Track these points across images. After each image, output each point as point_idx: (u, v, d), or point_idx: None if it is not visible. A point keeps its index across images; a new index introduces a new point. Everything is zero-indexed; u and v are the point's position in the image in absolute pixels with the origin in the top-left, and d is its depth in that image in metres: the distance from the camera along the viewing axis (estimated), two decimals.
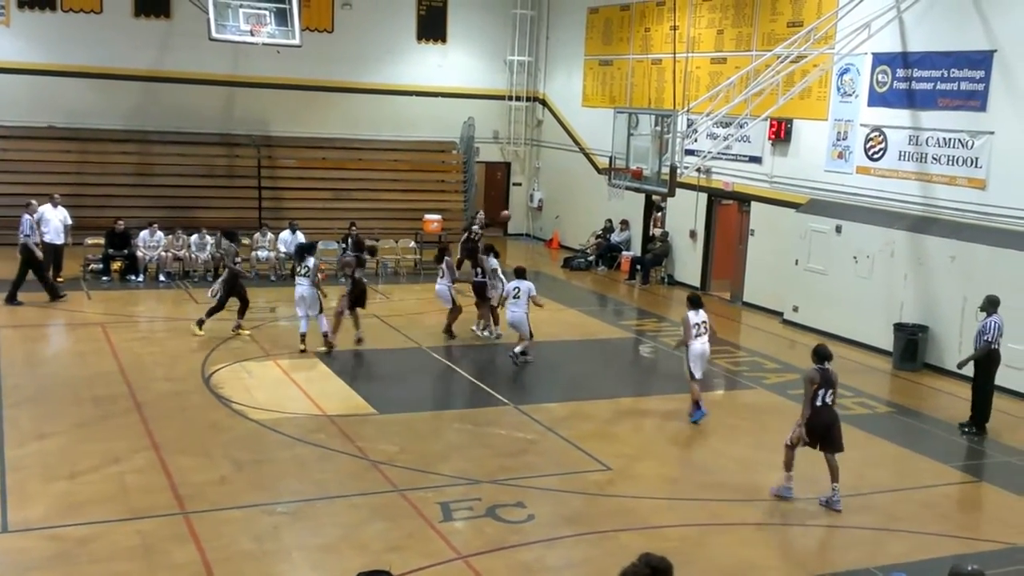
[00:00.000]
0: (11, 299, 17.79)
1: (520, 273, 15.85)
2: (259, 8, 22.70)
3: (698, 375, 13.16)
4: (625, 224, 24.98)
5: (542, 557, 9.31)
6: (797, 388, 14.91)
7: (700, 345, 13.12)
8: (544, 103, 29.00)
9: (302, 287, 15.54)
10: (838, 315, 18.05)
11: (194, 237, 21.13)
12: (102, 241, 20.76)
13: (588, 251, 25.37)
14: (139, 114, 25.08)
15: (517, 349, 15.30)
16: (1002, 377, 13.91)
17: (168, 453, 11.18)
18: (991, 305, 13.19)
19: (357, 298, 16.26)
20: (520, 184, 29.82)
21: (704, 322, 13.20)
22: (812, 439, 10.60)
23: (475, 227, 20.26)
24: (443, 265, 16.80)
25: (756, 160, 20.47)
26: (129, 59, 24.74)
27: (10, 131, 23.89)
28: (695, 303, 13.32)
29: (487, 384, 14.60)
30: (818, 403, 10.56)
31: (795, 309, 19.08)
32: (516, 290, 15.41)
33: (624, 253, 24.58)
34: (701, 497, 10.77)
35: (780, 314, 19.48)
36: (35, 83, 24.13)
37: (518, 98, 28.92)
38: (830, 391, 10.58)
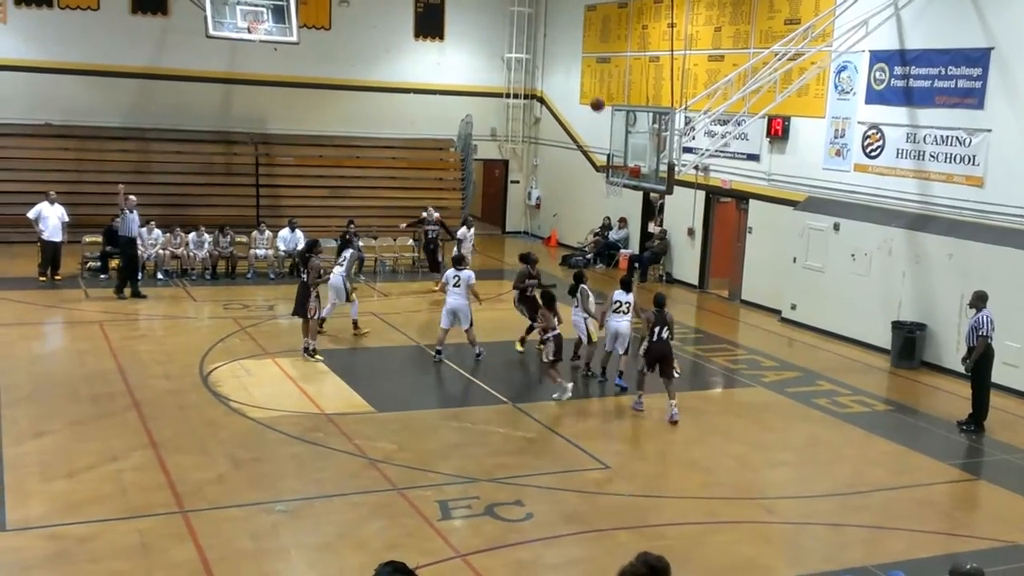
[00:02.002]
0: None
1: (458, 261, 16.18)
2: (256, 5, 22.66)
3: (607, 348, 14.53)
4: (623, 222, 24.98)
5: (541, 556, 9.32)
6: (795, 386, 15.01)
7: (615, 323, 14.33)
8: (542, 100, 28.98)
9: (337, 276, 16.43)
10: (836, 313, 18.06)
11: (192, 235, 21.11)
12: (100, 239, 20.73)
13: (586, 249, 25.37)
14: (136, 111, 25.05)
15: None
16: (1000, 375, 13.94)
17: (166, 451, 11.18)
18: (980, 300, 13.21)
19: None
20: (518, 182, 29.81)
21: (628, 303, 14.34)
22: (650, 366, 13.18)
23: (431, 225, 20.52)
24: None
25: (754, 158, 20.48)
26: (126, 56, 24.69)
27: (7, 129, 23.84)
28: (626, 285, 14.60)
29: (485, 382, 14.60)
30: (654, 339, 13.15)
31: (793, 307, 19.09)
32: (456, 279, 15.52)
33: (622, 251, 24.58)
34: (699, 495, 10.79)
35: (778, 312, 19.49)
36: (32, 80, 24.09)
37: (516, 95, 28.90)
38: (665, 328, 13.16)
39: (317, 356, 15.09)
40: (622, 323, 14.33)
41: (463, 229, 20.93)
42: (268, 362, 15.02)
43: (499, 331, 16.84)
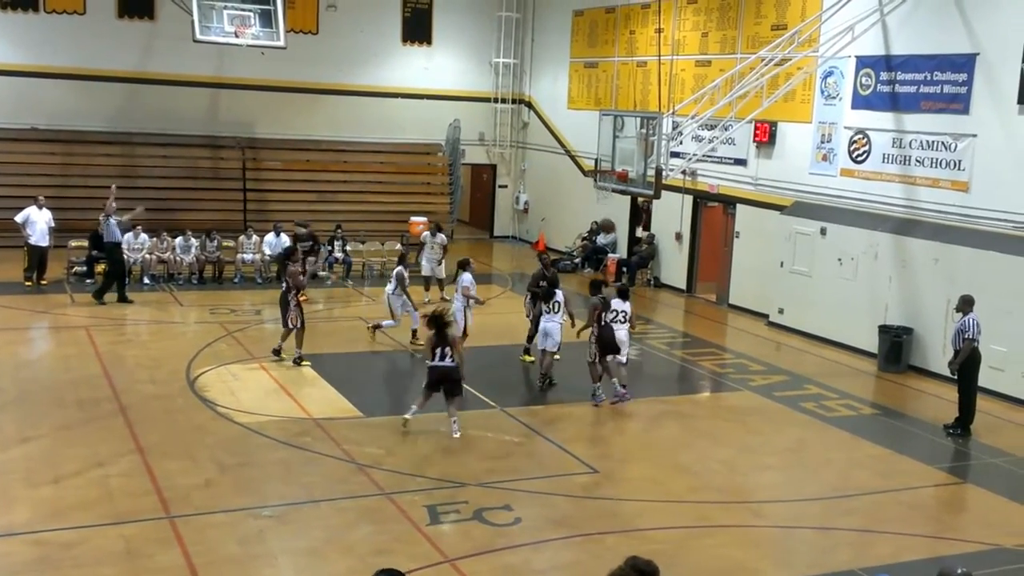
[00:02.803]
0: None
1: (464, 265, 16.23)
2: (243, 9, 22.61)
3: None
4: (611, 226, 24.99)
5: (529, 560, 9.31)
6: (783, 390, 15.04)
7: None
8: (530, 105, 29.01)
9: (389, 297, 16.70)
10: (823, 317, 18.12)
11: (179, 239, 21.03)
12: (86, 244, 20.64)
13: (574, 253, 25.39)
14: (123, 116, 24.95)
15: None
16: (986, 378, 13.99)
17: (153, 457, 11.12)
18: (966, 304, 13.27)
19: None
20: (506, 186, 29.82)
21: (626, 312, 14.49)
22: (602, 350, 13.72)
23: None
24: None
25: (741, 163, 20.54)
26: (113, 60, 24.61)
27: None
28: (623, 294, 14.73)
29: (473, 387, 14.57)
30: (603, 323, 13.76)
31: (780, 311, 19.14)
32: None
33: (610, 255, 24.60)
34: (687, 499, 10.80)
35: (766, 316, 19.54)
36: (18, 84, 23.98)
37: (504, 100, 28.92)
38: (608, 312, 13.90)
39: (304, 362, 15.05)
40: (621, 332, 14.28)
41: (427, 235, 20.54)
42: (255, 367, 14.96)
43: (487, 336, 16.81)
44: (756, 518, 10.48)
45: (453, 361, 12.17)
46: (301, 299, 15.34)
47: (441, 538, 9.52)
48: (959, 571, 5.86)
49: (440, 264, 20.12)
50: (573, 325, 14.69)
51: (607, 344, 13.81)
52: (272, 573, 8.93)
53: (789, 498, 11.08)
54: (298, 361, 15.03)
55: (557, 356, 14.96)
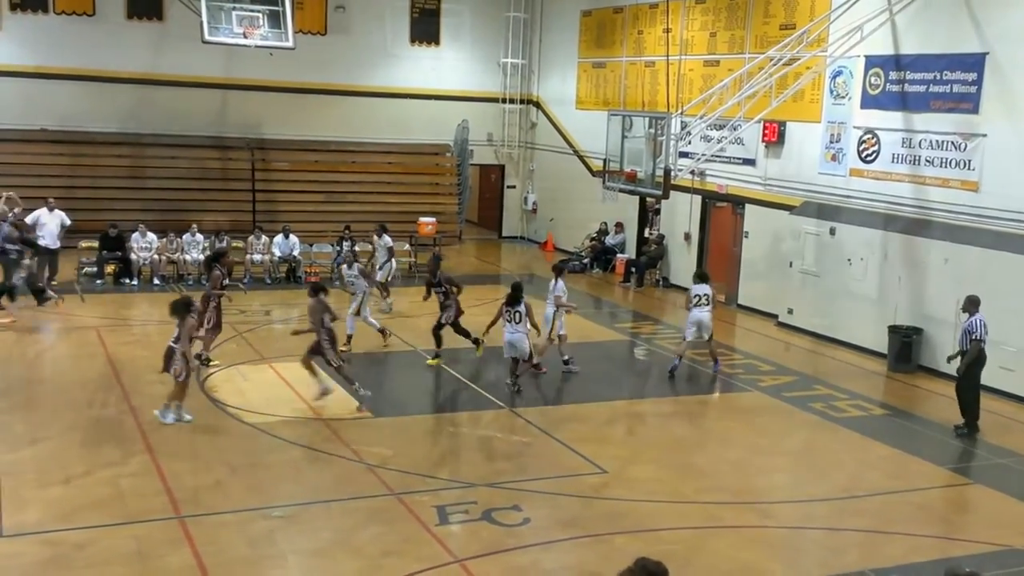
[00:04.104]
0: None
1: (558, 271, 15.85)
2: (252, 11, 22.68)
3: (689, 338, 15.63)
4: (620, 227, 25.00)
5: (538, 560, 9.31)
6: (792, 391, 15.03)
7: (697, 313, 15.40)
8: (538, 105, 29.01)
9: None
10: (833, 317, 18.09)
11: (185, 236, 21.12)
12: (96, 244, 20.71)
13: (583, 254, 25.38)
14: (132, 117, 25.02)
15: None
16: (996, 379, 13.97)
17: (162, 457, 11.15)
18: (973, 305, 13.24)
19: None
20: (514, 187, 29.83)
21: (708, 295, 15.38)
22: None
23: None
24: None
25: (750, 162, 20.51)
26: (122, 62, 24.68)
27: (3, 135, 23.79)
28: (703, 278, 15.73)
29: (482, 387, 14.59)
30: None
31: (790, 311, 19.11)
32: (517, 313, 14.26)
33: (619, 256, 24.59)
34: (697, 500, 10.78)
35: (775, 316, 19.51)
36: (27, 86, 24.06)
37: (512, 101, 28.93)
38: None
39: (213, 363, 14.80)
40: (704, 313, 15.36)
41: (374, 237, 20.26)
42: (265, 367, 14.99)
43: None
44: (766, 519, 10.47)
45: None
46: (224, 300, 15.20)
47: (450, 538, 9.53)
48: (966, 571, 5.85)
49: (386, 265, 19.81)
50: (539, 334, 14.72)
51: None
52: (282, 574, 8.94)
53: (799, 499, 11.06)
54: (205, 361, 14.72)
55: (544, 370, 15.09)
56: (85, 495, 10.10)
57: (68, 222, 19.93)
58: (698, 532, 9.98)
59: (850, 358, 17.14)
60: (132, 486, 10.37)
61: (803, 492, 11.28)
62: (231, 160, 25.84)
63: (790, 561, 9.66)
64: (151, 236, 20.82)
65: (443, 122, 27.93)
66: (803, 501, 10.98)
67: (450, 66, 28.23)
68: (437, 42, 28.12)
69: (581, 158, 26.59)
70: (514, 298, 14.20)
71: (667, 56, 20.14)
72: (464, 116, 28.03)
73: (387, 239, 20.19)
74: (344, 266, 16.94)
